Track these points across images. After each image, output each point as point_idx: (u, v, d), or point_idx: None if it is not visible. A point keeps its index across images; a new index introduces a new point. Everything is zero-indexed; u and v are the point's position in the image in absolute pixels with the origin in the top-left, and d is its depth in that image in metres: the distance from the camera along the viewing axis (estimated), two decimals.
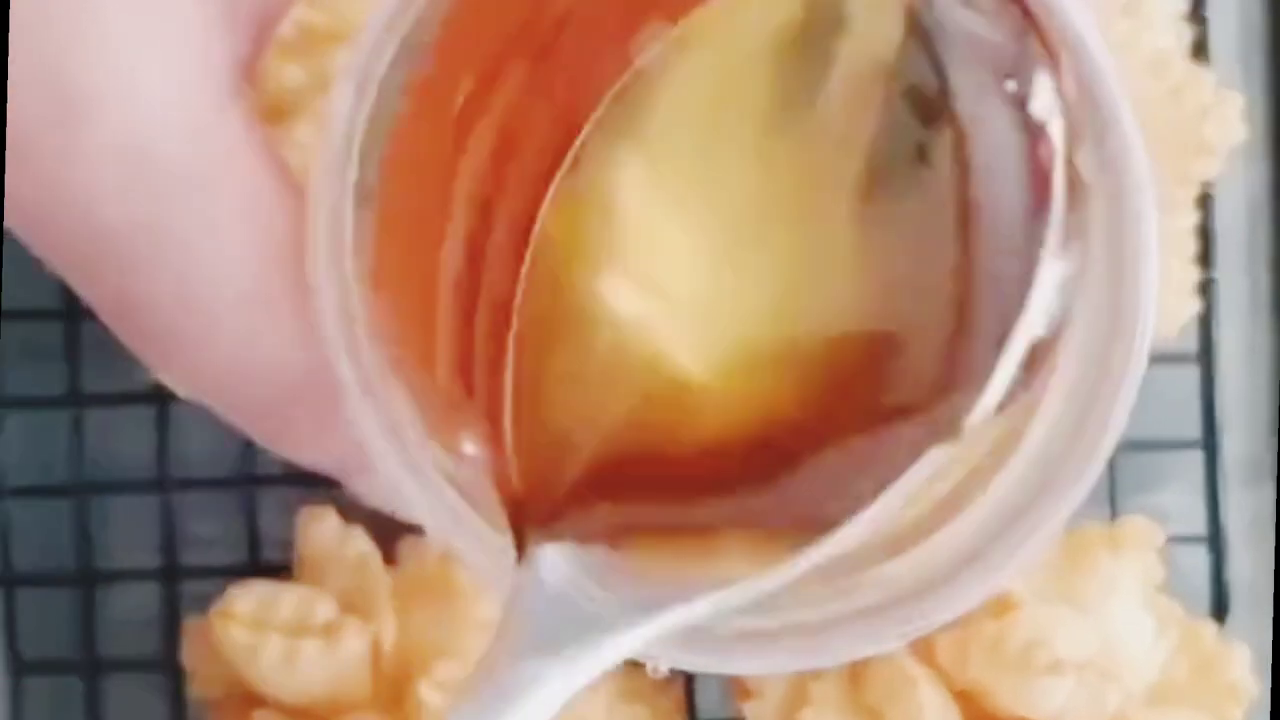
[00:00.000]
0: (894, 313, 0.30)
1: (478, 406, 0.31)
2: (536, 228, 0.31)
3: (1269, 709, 0.52)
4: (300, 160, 0.43)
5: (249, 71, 0.33)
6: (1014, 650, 0.44)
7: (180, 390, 0.39)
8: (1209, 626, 0.49)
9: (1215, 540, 0.53)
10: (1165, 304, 0.47)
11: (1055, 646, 0.44)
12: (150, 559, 0.52)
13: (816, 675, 0.46)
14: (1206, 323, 0.52)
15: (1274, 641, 0.54)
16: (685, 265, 0.31)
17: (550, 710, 0.29)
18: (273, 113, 0.44)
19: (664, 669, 0.32)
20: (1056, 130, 0.29)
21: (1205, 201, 0.51)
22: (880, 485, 0.29)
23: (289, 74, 0.44)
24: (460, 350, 0.31)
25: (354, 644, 0.45)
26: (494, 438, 0.31)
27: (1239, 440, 0.55)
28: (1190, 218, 0.47)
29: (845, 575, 0.32)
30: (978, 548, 0.32)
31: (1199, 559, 0.53)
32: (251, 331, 0.33)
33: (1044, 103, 0.29)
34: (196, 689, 0.48)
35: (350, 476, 0.38)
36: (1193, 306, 0.47)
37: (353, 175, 0.31)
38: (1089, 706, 0.45)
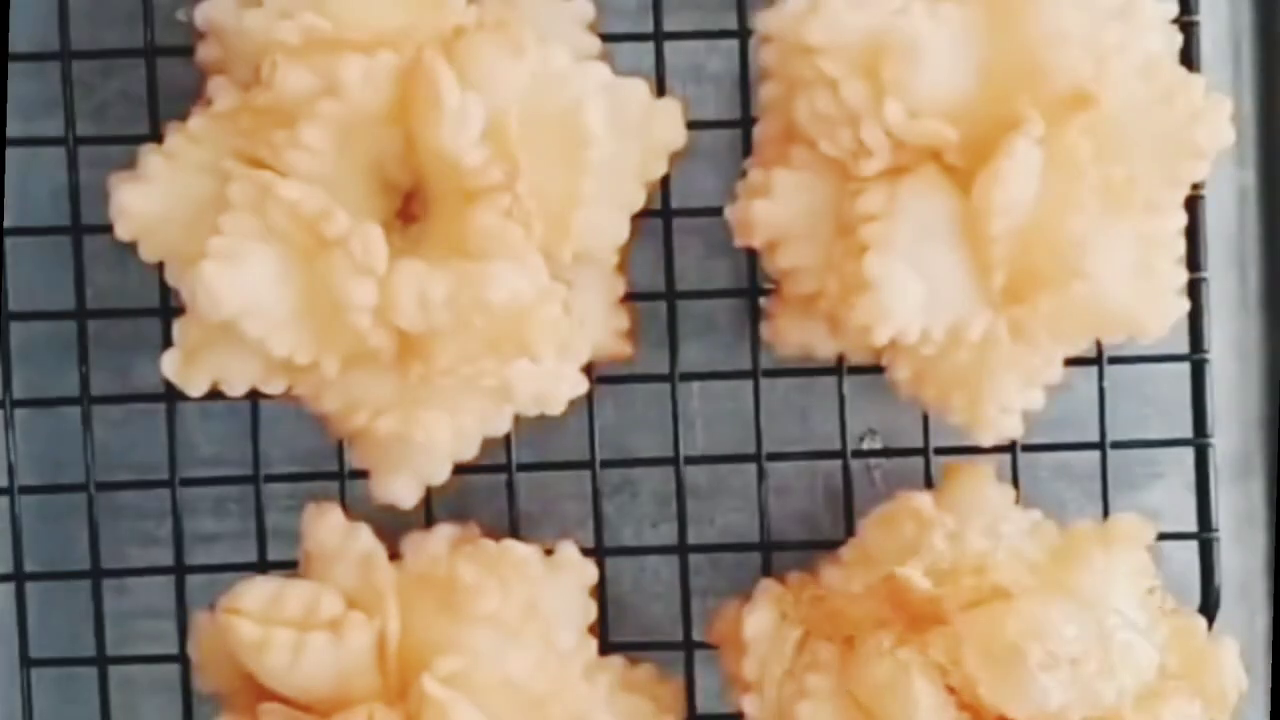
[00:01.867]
0: None
1: None
2: None
3: (1268, 706, 0.53)
4: (306, 164, 0.44)
5: None
6: (1006, 644, 0.45)
7: None
8: (1199, 622, 0.49)
9: (1205, 544, 0.53)
10: (1155, 304, 0.47)
11: (1048, 641, 0.45)
12: (159, 556, 0.53)
13: (814, 667, 0.47)
14: (1196, 322, 0.52)
15: (1273, 638, 0.55)
16: None
17: None
18: (279, 117, 0.44)
19: None
20: None
21: (1195, 202, 0.51)
22: None
23: (295, 78, 0.44)
24: None
25: (359, 638, 0.46)
26: None
27: (1229, 438, 0.55)
28: (1179, 219, 0.47)
29: None
30: None
31: (1190, 555, 0.53)
32: None
33: None
34: (205, 682, 0.49)
35: None
36: (1182, 306, 0.47)
37: None
38: (1081, 700, 0.46)
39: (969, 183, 0.45)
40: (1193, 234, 0.51)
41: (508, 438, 0.51)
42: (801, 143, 0.47)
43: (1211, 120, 0.46)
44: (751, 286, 0.52)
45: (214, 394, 0.46)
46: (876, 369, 0.50)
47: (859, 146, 0.46)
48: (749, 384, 0.52)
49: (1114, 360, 0.52)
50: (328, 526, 0.48)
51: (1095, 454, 0.53)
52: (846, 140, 0.46)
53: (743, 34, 0.52)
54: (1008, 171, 0.44)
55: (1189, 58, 0.52)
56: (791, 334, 0.49)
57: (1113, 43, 0.45)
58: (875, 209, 0.45)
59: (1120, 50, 0.46)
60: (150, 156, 0.45)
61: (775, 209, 0.47)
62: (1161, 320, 0.47)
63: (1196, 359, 0.53)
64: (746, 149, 0.51)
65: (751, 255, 0.50)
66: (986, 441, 0.49)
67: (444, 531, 0.48)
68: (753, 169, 0.48)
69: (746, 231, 0.47)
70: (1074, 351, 0.49)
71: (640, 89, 0.47)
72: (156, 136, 0.47)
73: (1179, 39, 0.48)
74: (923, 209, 0.45)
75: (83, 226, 0.51)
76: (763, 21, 0.47)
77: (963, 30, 0.45)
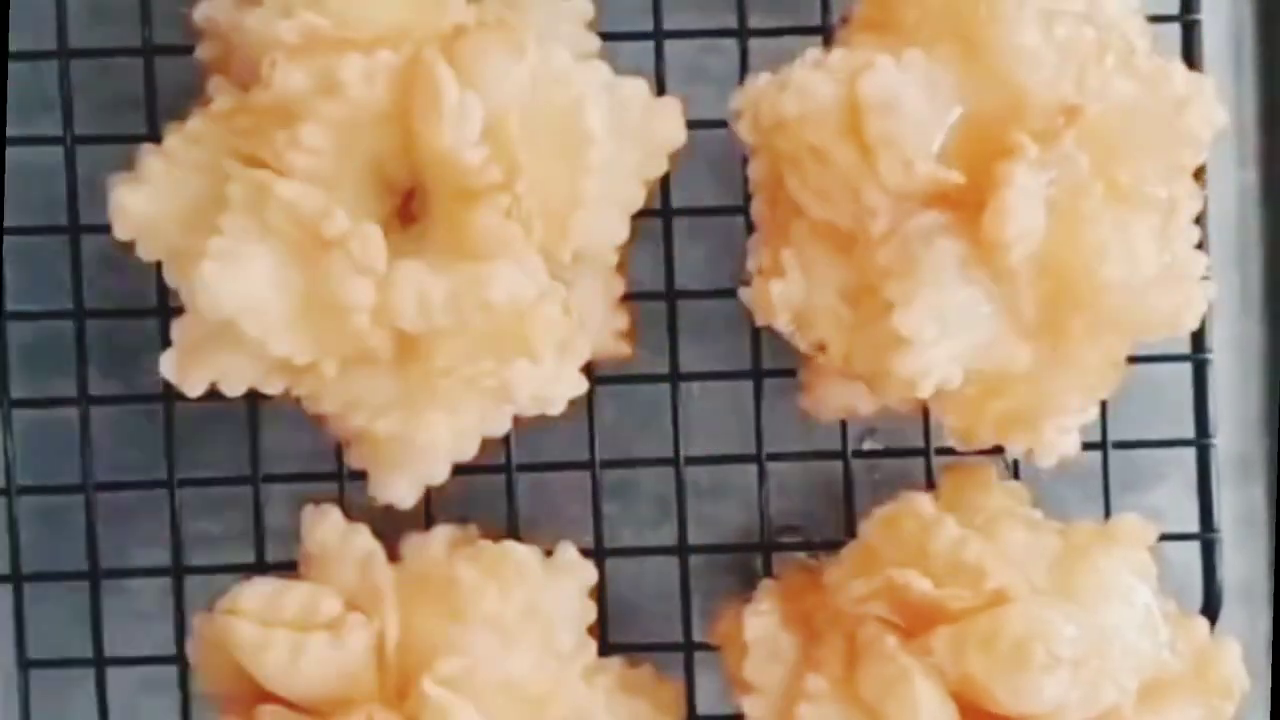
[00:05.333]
0: None
1: None
2: None
3: (1269, 707, 0.53)
4: (305, 164, 0.44)
5: None
6: (1008, 645, 0.45)
7: None
8: (1201, 622, 0.49)
9: (1208, 545, 0.53)
10: (1183, 296, 0.47)
11: (1049, 641, 0.45)
12: (157, 557, 0.52)
13: (815, 668, 0.47)
14: (1200, 327, 0.52)
15: (1274, 640, 0.55)
16: None
17: None
18: (278, 116, 0.44)
19: None
20: None
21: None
22: None
23: (294, 78, 0.44)
24: None
25: (358, 639, 0.45)
26: None
27: (1229, 439, 0.55)
28: (1190, 207, 0.47)
29: None
30: None
31: (1191, 556, 0.53)
32: None
33: None
34: (203, 684, 0.49)
35: None
36: (1208, 293, 0.47)
37: None
38: (1083, 701, 0.45)
39: (976, 219, 0.45)
40: None
41: (507, 438, 0.51)
42: (800, 214, 0.47)
43: (1199, 104, 0.46)
44: None
45: (212, 394, 0.46)
46: None
47: (861, 209, 0.45)
48: (749, 384, 0.52)
49: None
50: (327, 527, 0.48)
51: (1096, 455, 0.52)
52: (847, 205, 0.46)
53: (743, 33, 0.52)
54: (1012, 201, 0.44)
55: (1190, 56, 0.52)
56: (833, 400, 0.49)
57: (1086, 49, 0.45)
58: (891, 265, 0.45)
59: (1095, 55, 0.45)
60: (149, 156, 0.45)
61: (792, 289, 0.47)
62: (1193, 311, 0.47)
63: (1199, 359, 0.53)
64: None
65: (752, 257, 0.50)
66: (1048, 464, 0.48)
67: (443, 532, 0.48)
68: (759, 249, 0.48)
69: (768, 313, 0.47)
70: (1119, 359, 0.48)
71: (640, 88, 0.47)
72: (155, 136, 0.47)
73: (1149, 30, 0.47)
74: (937, 254, 0.45)
75: (80, 226, 0.51)
76: (735, 100, 0.47)
77: (935, 71, 0.45)
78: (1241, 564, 0.55)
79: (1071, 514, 0.51)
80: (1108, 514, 0.52)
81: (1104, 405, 0.52)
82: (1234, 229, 0.56)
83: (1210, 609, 0.52)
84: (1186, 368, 0.53)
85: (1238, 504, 0.55)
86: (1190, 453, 0.53)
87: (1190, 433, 0.53)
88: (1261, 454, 0.56)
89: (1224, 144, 0.54)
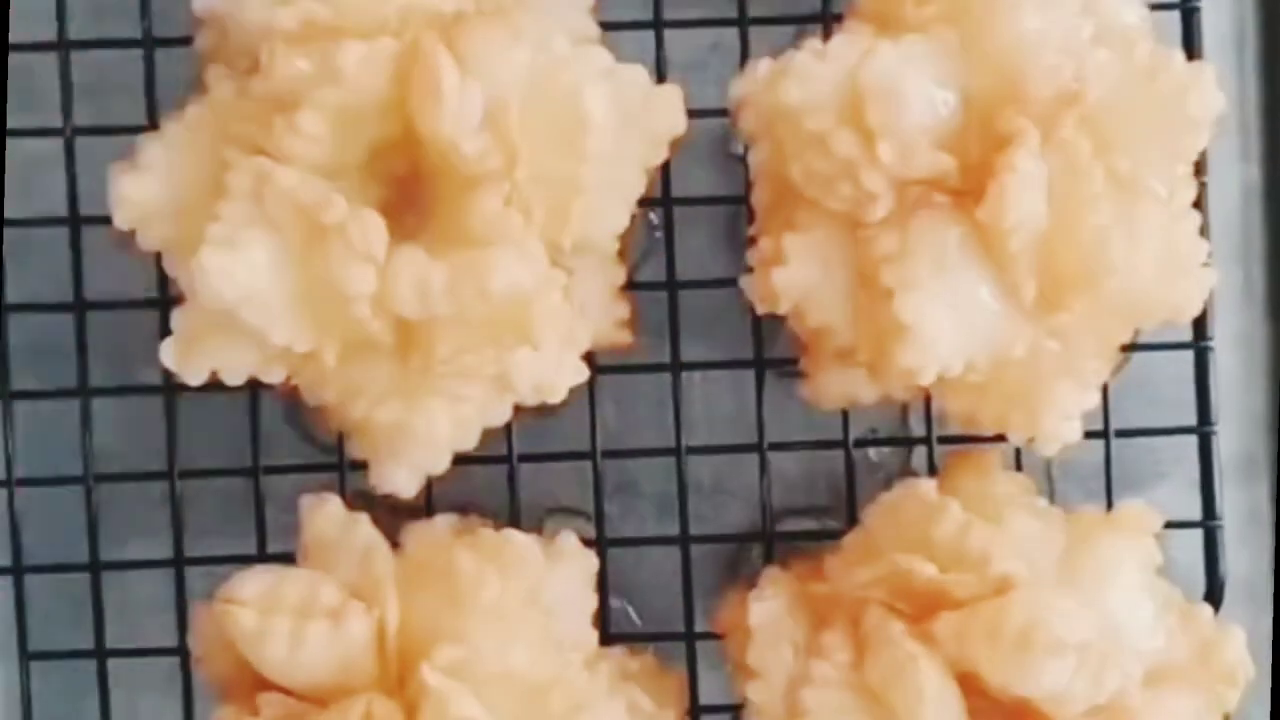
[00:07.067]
0: None
1: None
2: None
3: (1270, 708, 0.53)
4: (305, 151, 0.44)
5: None
6: (1013, 631, 0.45)
7: None
8: (1206, 609, 0.49)
9: (1210, 533, 0.53)
10: (1186, 283, 0.47)
11: (1054, 627, 0.45)
12: (158, 547, 0.52)
13: (820, 654, 0.47)
14: (1201, 315, 0.52)
15: (1274, 635, 0.54)
16: None
17: None
18: (277, 104, 0.44)
19: None
20: None
21: (1199, 195, 0.51)
22: None
23: (293, 65, 0.44)
24: None
25: (358, 628, 0.45)
26: None
27: (1233, 437, 0.55)
28: (1190, 194, 0.47)
29: None
30: None
31: (1195, 556, 0.53)
32: None
33: None
34: (204, 673, 0.48)
35: None
36: (1210, 280, 0.47)
37: None
38: (1088, 687, 0.45)
39: (977, 205, 0.45)
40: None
41: (509, 428, 0.51)
42: (802, 202, 0.47)
43: (1200, 89, 0.46)
44: None
45: (213, 385, 0.46)
46: None
47: (862, 194, 0.45)
48: (750, 373, 0.52)
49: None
50: (327, 517, 0.48)
51: (1099, 455, 0.52)
52: (848, 191, 0.45)
53: (743, 22, 0.52)
54: (1013, 187, 0.44)
55: (1191, 46, 0.52)
56: (833, 388, 0.49)
57: (1085, 34, 0.45)
58: (891, 251, 0.45)
59: (1095, 39, 0.45)
60: (149, 143, 0.45)
61: (794, 274, 0.46)
62: (1194, 297, 0.47)
63: (1200, 347, 0.52)
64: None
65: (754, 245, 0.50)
66: (1050, 452, 0.48)
67: (444, 521, 0.48)
68: (761, 237, 0.48)
69: (770, 301, 0.47)
70: (1119, 345, 0.48)
71: (640, 75, 0.47)
72: (155, 127, 0.47)
73: (1149, 16, 0.47)
74: (938, 240, 0.45)
75: (81, 218, 0.51)
76: (735, 88, 0.47)
77: (935, 57, 0.45)
78: (1245, 562, 0.55)
79: (1076, 502, 0.50)
80: (1110, 507, 0.52)
81: (1107, 398, 0.52)
82: (1238, 224, 0.56)
83: (1213, 598, 0.52)
84: (1189, 364, 0.53)
85: (1242, 502, 0.55)
86: (1192, 450, 0.53)
87: (1193, 427, 0.53)
88: (1266, 452, 0.56)
89: (1227, 139, 0.54)
